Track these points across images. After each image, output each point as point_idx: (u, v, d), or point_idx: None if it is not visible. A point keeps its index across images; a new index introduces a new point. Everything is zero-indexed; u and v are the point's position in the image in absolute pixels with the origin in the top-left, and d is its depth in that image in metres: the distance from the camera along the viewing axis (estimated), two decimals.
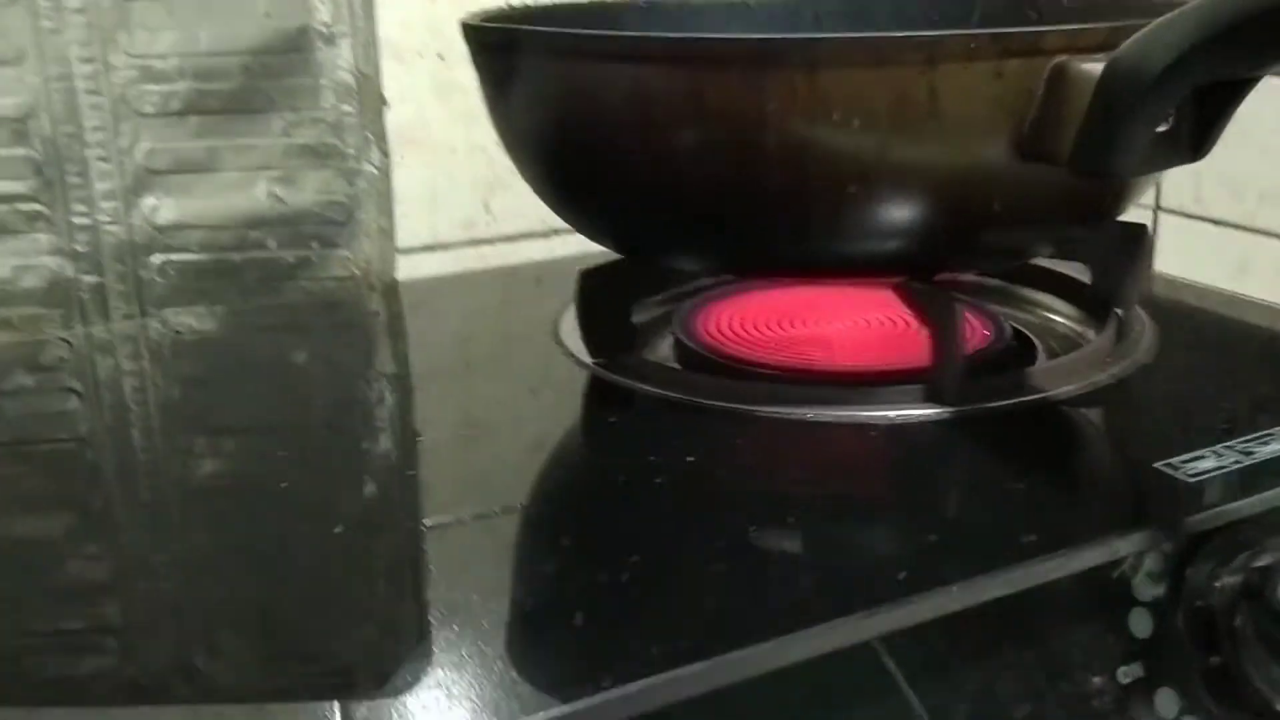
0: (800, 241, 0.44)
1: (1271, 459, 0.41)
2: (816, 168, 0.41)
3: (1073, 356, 0.49)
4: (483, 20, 0.47)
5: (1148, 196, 0.74)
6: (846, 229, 0.43)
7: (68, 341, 0.62)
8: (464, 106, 0.72)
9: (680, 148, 0.43)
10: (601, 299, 0.50)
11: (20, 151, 0.61)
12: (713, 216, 0.44)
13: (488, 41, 0.46)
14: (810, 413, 0.45)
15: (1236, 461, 0.41)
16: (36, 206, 0.61)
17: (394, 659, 0.34)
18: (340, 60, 0.60)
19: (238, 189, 0.62)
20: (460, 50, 0.69)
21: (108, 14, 0.60)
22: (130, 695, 0.36)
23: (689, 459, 0.42)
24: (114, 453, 0.53)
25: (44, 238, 0.61)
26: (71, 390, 0.59)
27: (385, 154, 0.62)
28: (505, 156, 0.71)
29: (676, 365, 0.51)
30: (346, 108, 0.61)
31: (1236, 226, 0.70)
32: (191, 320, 0.63)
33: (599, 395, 0.49)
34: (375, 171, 0.61)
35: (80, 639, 0.38)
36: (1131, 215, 0.50)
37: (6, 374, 0.57)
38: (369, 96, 0.61)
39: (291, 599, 0.38)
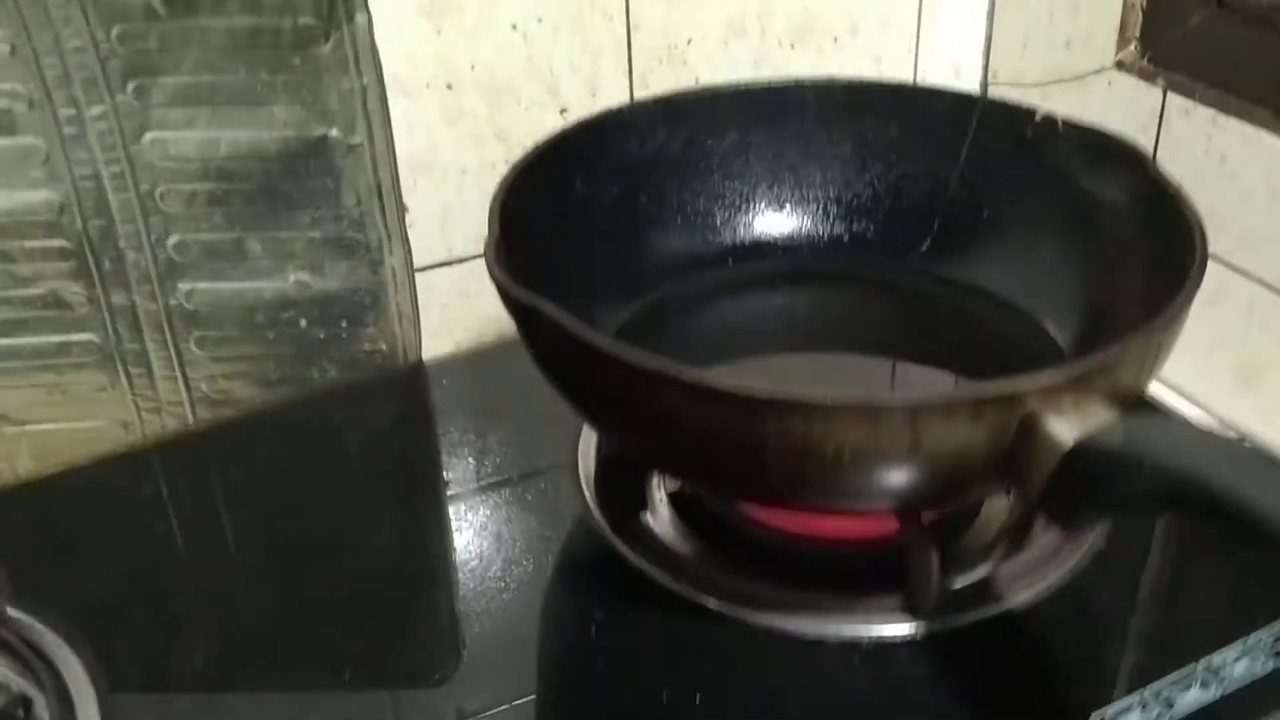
0: (793, 504, 0.50)
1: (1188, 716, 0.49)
2: (810, 482, 0.47)
3: (1032, 553, 0.55)
4: (510, 272, 0.50)
5: None
6: (835, 506, 0.49)
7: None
8: (473, 130, 0.73)
9: (686, 446, 0.48)
10: (616, 478, 0.56)
11: (56, 243, 0.63)
12: (713, 481, 0.50)
13: (512, 301, 0.49)
14: (803, 626, 0.52)
15: (1159, 717, 0.49)
16: (75, 289, 0.65)
17: None
18: (360, 167, 0.62)
19: (267, 276, 0.65)
20: (468, 77, 0.71)
21: (128, 121, 0.61)
22: (203, 684, 0.49)
23: (698, 697, 0.50)
24: (173, 500, 0.61)
25: (86, 317, 0.65)
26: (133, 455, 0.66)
27: (408, 251, 0.65)
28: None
29: (684, 545, 0.57)
30: (367, 208, 0.63)
31: (1215, 258, 0.73)
32: (233, 388, 0.68)
33: (610, 573, 0.56)
34: (398, 266, 0.64)
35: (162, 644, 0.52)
36: None
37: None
38: (389, 200, 0.63)
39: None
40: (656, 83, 0.76)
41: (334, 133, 0.61)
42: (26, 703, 0.51)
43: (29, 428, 0.68)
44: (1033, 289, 0.62)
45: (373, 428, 0.67)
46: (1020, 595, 0.53)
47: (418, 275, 0.74)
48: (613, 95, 0.75)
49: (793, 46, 0.79)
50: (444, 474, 0.64)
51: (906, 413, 0.44)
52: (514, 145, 0.74)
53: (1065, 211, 0.61)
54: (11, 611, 0.54)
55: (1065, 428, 0.43)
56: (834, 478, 0.46)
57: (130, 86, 0.60)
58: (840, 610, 0.52)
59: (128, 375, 0.67)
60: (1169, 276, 0.52)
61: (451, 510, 0.61)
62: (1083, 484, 0.43)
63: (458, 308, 0.77)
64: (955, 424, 0.44)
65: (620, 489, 0.58)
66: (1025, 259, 0.63)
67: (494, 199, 0.55)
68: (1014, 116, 0.62)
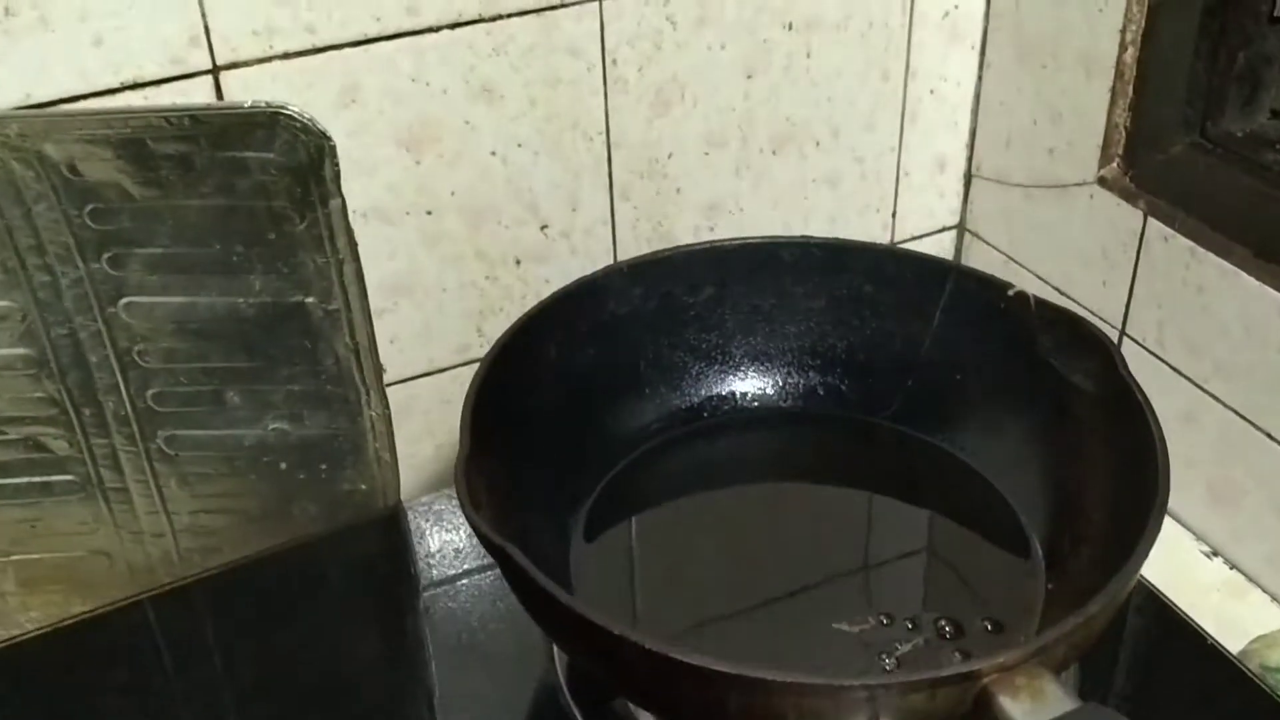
0: None
1: None
2: None
3: None
4: (486, 513, 0.50)
5: (1114, 315, 0.78)
6: None
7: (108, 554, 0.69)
8: (453, 251, 0.74)
9: (648, 695, 0.49)
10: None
11: (35, 394, 0.64)
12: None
13: (484, 539, 0.50)
14: None
15: None
16: (56, 434, 0.65)
17: None
18: (337, 330, 0.62)
19: (246, 424, 0.66)
20: (448, 203, 0.71)
21: (103, 287, 0.61)
22: None
23: None
24: (170, 651, 0.63)
25: (67, 459, 0.66)
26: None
27: (386, 406, 0.65)
28: (496, 287, 0.75)
29: None
30: (346, 366, 0.64)
31: (1190, 380, 0.74)
32: (215, 522, 0.69)
33: None
34: (377, 417, 0.65)
35: None
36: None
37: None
38: (366, 360, 0.63)
39: None
40: (637, 195, 0.76)
41: (310, 300, 0.61)
42: None
43: (15, 557, 0.69)
44: (1000, 464, 0.63)
45: (353, 579, 0.68)
46: None
47: (403, 386, 0.75)
48: (593, 210, 0.75)
49: (774, 153, 0.79)
50: (424, 629, 0.65)
51: (864, 691, 0.45)
52: (495, 262, 0.75)
53: (1033, 387, 0.61)
54: None
55: (1019, 711, 0.44)
56: None
57: (105, 257, 0.60)
58: None
59: (110, 510, 0.68)
60: (1133, 488, 0.53)
61: (434, 671, 0.63)
62: None
63: (439, 413, 0.78)
64: (912, 701, 0.45)
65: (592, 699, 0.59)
66: (994, 430, 0.63)
67: (465, 403, 0.55)
68: (987, 287, 0.63)
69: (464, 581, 0.69)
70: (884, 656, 0.56)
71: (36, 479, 0.66)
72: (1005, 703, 0.45)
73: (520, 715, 0.60)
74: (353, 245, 0.60)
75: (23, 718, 0.62)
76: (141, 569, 0.70)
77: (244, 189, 0.58)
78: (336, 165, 0.57)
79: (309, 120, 0.55)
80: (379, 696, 0.62)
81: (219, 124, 0.55)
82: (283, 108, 0.55)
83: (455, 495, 0.71)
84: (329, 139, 0.56)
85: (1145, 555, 0.49)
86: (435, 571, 0.70)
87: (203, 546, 0.70)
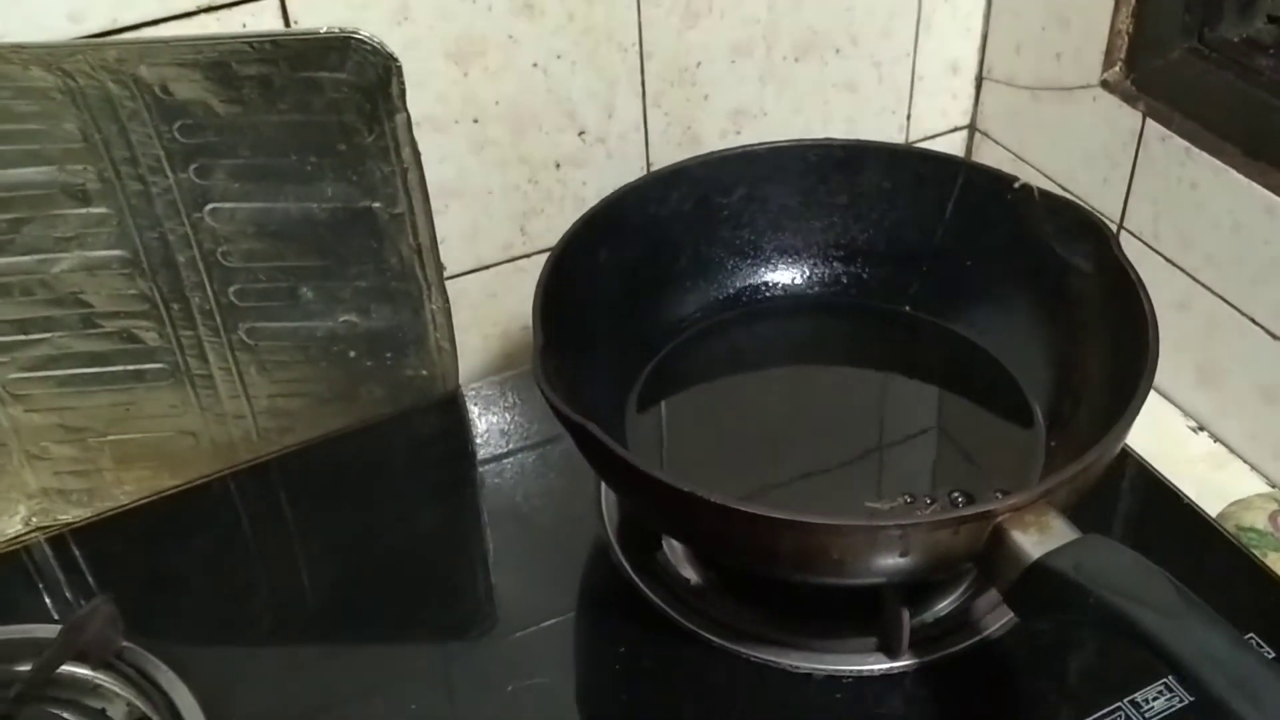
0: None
1: None
2: (814, 572, 0.56)
3: None
4: (562, 398, 0.57)
5: (1113, 210, 0.84)
6: (834, 585, 0.58)
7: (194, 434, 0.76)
8: (498, 156, 0.80)
9: (709, 541, 0.57)
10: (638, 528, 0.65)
11: (129, 291, 0.71)
12: (730, 561, 0.60)
13: (563, 418, 0.57)
14: (791, 662, 0.62)
15: None
16: (147, 327, 0.72)
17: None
18: (401, 232, 0.69)
19: (319, 317, 0.72)
20: (493, 111, 0.77)
21: (189, 194, 0.68)
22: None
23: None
24: (250, 519, 0.71)
25: (157, 349, 0.73)
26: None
27: (446, 300, 0.72)
28: (537, 190, 0.81)
29: (694, 581, 0.66)
30: (409, 264, 0.70)
31: (1182, 270, 0.80)
32: (291, 404, 0.77)
33: (628, 604, 0.65)
34: (437, 310, 0.72)
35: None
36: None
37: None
38: (428, 259, 0.70)
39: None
40: (668, 102, 0.82)
41: (377, 205, 0.67)
42: None
43: (110, 437, 0.76)
44: (1008, 342, 0.70)
45: (416, 456, 0.76)
46: (992, 628, 0.62)
47: (452, 282, 0.82)
48: (627, 116, 0.81)
49: (797, 60, 0.84)
50: (479, 495, 0.73)
51: (898, 529, 0.52)
52: (537, 166, 0.81)
53: (1037, 270, 0.68)
54: (125, 644, 0.63)
55: (1029, 543, 0.52)
56: (835, 571, 0.55)
57: (192, 167, 0.66)
58: (821, 651, 0.62)
59: (196, 395, 0.75)
60: (1127, 356, 0.60)
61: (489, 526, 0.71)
62: (1041, 597, 0.52)
63: (486, 307, 0.85)
64: (938, 536, 0.53)
65: (639, 527, 0.67)
66: (1002, 311, 0.70)
67: (535, 301, 0.62)
68: (995, 181, 0.69)
69: (510, 459, 0.76)
70: None
71: (130, 367, 0.73)
72: (1017, 536, 0.52)
73: (569, 573, 0.68)
74: (416, 155, 0.66)
75: (119, 580, 0.69)
76: (224, 447, 0.78)
77: (318, 105, 0.64)
78: (402, 83, 0.63)
79: (378, 44, 0.61)
80: (441, 559, 0.70)
81: (297, 48, 0.61)
82: (354, 32, 0.61)
83: (500, 381, 0.80)
84: (395, 60, 0.62)
85: (1137, 411, 0.55)
86: (487, 450, 0.77)
87: (279, 426, 0.78)
